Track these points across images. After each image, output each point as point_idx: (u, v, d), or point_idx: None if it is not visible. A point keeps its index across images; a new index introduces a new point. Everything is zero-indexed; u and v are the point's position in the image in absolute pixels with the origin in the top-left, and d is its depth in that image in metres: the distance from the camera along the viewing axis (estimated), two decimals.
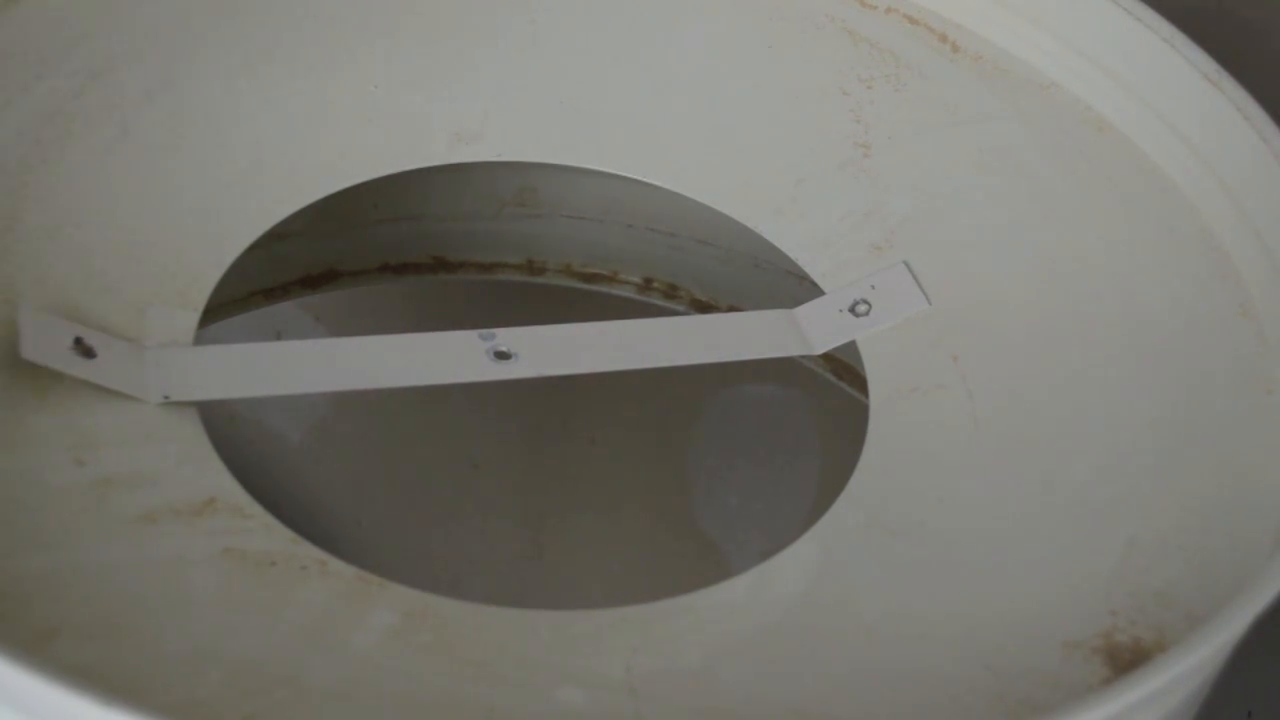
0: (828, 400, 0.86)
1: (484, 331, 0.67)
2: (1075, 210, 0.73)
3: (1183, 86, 0.73)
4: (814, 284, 0.71)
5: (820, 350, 0.69)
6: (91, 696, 0.46)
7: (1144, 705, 0.53)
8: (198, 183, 0.70)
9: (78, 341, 0.61)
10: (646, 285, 0.85)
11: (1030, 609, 0.60)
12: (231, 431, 0.91)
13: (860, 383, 0.73)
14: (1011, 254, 0.71)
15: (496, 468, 0.91)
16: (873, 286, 0.70)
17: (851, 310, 0.70)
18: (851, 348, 0.69)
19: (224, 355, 0.64)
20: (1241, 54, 0.79)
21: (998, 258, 0.71)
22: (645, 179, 0.73)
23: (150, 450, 0.60)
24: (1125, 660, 0.58)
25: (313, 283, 0.85)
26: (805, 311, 0.70)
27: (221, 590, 0.57)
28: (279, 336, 0.87)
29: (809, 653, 0.58)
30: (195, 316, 0.65)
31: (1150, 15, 0.74)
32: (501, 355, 0.66)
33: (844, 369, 0.84)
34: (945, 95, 0.77)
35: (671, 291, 0.86)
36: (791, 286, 0.77)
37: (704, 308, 0.84)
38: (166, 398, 0.62)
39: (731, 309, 0.83)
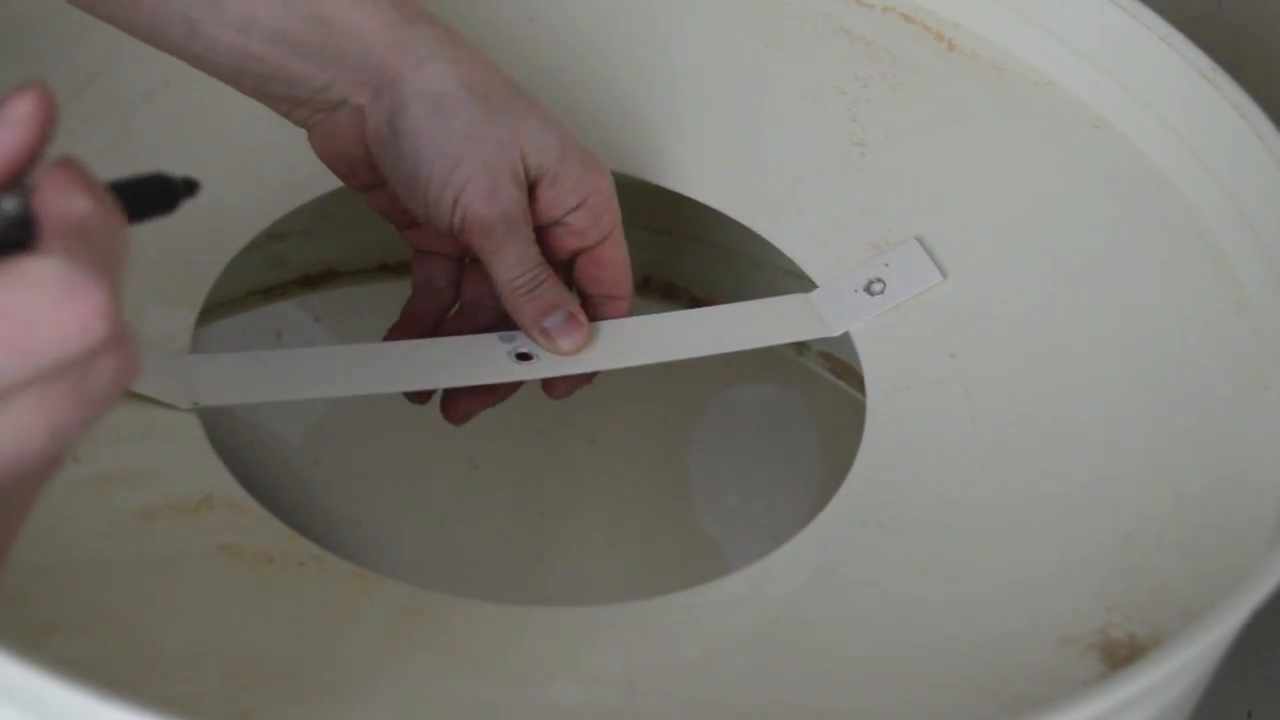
0: (826, 398, 0.86)
1: (504, 334, 0.68)
2: (1072, 208, 0.73)
3: (1179, 84, 0.73)
4: (812, 282, 0.71)
5: (839, 331, 0.69)
6: (89, 691, 0.46)
7: (1140, 700, 0.53)
8: None
9: None
10: (645, 284, 0.86)
11: (1026, 605, 0.60)
12: (230, 432, 0.91)
13: (858, 381, 0.73)
14: (1008, 252, 0.72)
15: (496, 467, 0.91)
16: (886, 264, 0.70)
17: (867, 290, 0.70)
18: (850, 345, 0.69)
19: (252, 361, 0.65)
20: (1238, 52, 0.79)
21: (994, 255, 0.71)
22: (643, 177, 0.73)
23: (148, 448, 0.60)
24: (1121, 656, 0.58)
25: (311, 282, 0.85)
26: (821, 295, 0.70)
27: (219, 586, 0.57)
28: (278, 336, 0.87)
29: (806, 648, 0.58)
30: (193, 316, 0.66)
31: (1147, 14, 0.74)
32: (523, 356, 0.67)
33: (842, 367, 0.84)
34: (942, 94, 0.77)
35: (669, 290, 0.86)
36: (789, 285, 0.77)
37: (702, 307, 0.84)
38: (196, 403, 0.62)
39: None
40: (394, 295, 0.87)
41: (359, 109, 0.65)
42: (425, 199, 0.65)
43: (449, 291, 0.71)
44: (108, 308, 0.40)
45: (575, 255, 0.68)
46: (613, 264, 0.68)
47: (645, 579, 0.90)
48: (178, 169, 0.71)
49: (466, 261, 0.70)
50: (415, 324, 0.70)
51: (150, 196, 0.45)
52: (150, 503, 0.58)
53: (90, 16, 0.65)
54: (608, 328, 0.69)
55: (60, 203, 0.41)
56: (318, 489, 0.90)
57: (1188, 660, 0.53)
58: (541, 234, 0.67)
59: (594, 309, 0.69)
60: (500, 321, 0.69)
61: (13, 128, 0.42)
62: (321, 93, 0.65)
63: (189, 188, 0.46)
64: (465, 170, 0.64)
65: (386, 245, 0.84)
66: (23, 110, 0.42)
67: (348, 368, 0.66)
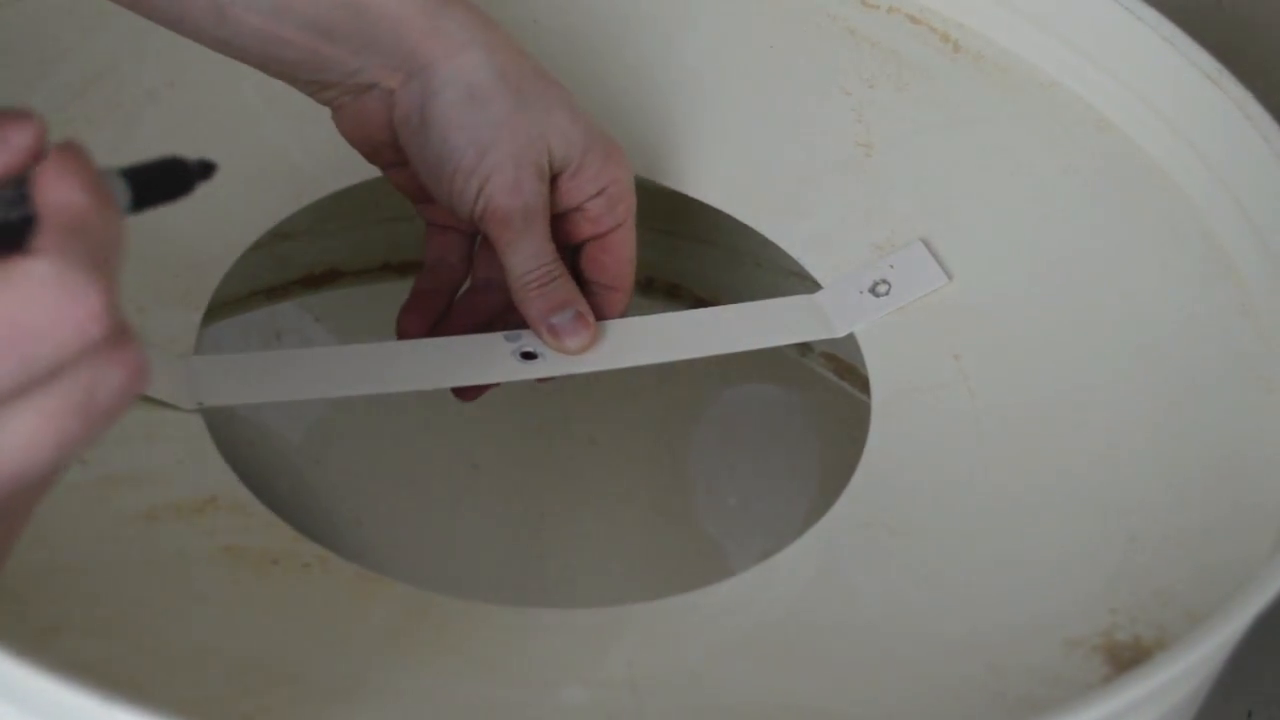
0: (829, 400, 0.86)
1: (509, 333, 0.68)
2: (1076, 209, 0.73)
3: (1184, 85, 0.73)
4: (816, 283, 0.71)
5: (843, 332, 0.69)
6: (93, 693, 0.46)
7: (1144, 703, 0.53)
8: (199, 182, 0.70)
9: None
10: (648, 285, 0.86)
11: (1031, 607, 0.60)
12: (231, 432, 0.91)
13: (862, 382, 0.73)
14: (1013, 253, 0.71)
15: (496, 468, 0.91)
16: (891, 266, 0.70)
17: (872, 291, 0.70)
18: (854, 347, 0.69)
19: (257, 361, 0.66)
20: (1243, 53, 0.79)
21: (999, 257, 0.71)
22: (647, 177, 0.73)
23: (152, 449, 0.60)
24: (1126, 658, 0.58)
25: (315, 282, 0.85)
26: (826, 296, 0.70)
27: (223, 588, 0.57)
28: (278, 336, 0.87)
29: (810, 651, 0.58)
30: (198, 316, 0.66)
31: (1151, 14, 0.74)
32: (528, 355, 0.67)
33: (845, 369, 0.84)
34: (947, 95, 0.77)
35: (673, 291, 0.86)
36: (794, 286, 0.77)
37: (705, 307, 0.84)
38: (201, 404, 0.62)
39: None
40: (397, 295, 0.87)
41: (388, 92, 0.65)
42: (450, 187, 0.65)
43: (461, 268, 0.71)
44: (104, 308, 0.40)
45: (586, 242, 0.68)
46: (619, 253, 0.68)
47: (645, 579, 0.90)
48: None
49: (479, 238, 0.70)
50: (427, 301, 0.70)
51: (164, 180, 0.44)
52: (155, 504, 0.58)
53: (95, 14, 0.65)
54: (612, 327, 0.69)
55: (57, 197, 0.41)
56: (318, 489, 0.90)
57: (1194, 663, 0.53)
58: (557, 219, 0.67)
59: (592, 298, 0.69)
60: (511, 302, 0.68)
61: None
62: (352, 76, 0.65)
63: (204, 170, 0.45)
64: (492, 161, 0.65)
65: (390, 245, 0.84)
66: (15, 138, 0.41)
67: (354, 368, 0.66)
